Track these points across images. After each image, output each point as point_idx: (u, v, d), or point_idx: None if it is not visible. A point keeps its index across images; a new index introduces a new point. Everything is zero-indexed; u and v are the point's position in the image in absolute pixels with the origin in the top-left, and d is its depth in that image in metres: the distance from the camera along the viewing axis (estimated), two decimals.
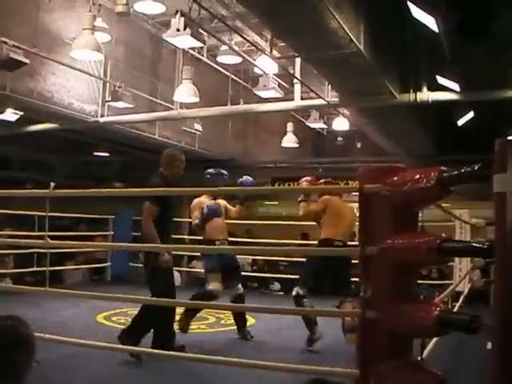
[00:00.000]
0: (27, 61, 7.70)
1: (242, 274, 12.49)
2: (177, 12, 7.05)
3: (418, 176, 2.98)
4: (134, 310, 8.44)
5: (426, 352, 3.84)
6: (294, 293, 6.67)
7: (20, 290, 6.22)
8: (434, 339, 4.48)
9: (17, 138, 12.21)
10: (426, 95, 9.26)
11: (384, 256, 3.03)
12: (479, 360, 5.94)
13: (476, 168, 2.78)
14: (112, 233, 13.18)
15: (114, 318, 7.99)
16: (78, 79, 9.71)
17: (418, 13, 7.69)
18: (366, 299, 3.12)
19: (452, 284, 8.77)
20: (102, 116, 10.26)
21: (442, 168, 2.92)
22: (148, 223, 5.99)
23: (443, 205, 4.22)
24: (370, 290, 3.11)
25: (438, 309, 2.91)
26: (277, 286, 12.53)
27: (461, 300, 7.74)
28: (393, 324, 3.03)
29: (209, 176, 7.50)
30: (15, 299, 7.37)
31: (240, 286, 7.24)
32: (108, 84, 9.94)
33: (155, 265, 5.92)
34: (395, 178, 3.06)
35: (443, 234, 2.95)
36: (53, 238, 7.51)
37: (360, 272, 3.20)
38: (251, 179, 7.30)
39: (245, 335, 7.09)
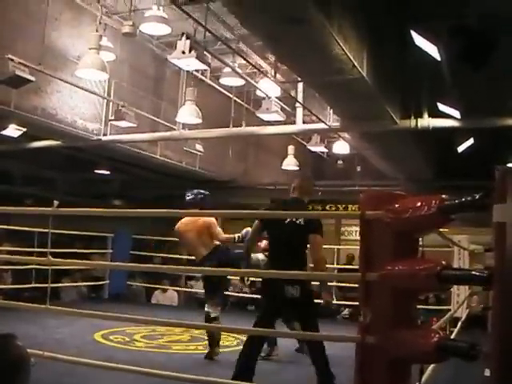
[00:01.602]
0: (33, 78, 7.76)
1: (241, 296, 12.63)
2: (182, 34, 7.13)
3: (419, 203, 3.02)
4: (132, 329, 8.49)
5: (424, 378, 3.86)
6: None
7: (20, 306, 6.22)
8: (432, 365, 4.49)
9: (19, 153, 12.25)
10: (426, 121, 9.32)
11: (384, 282, 3.06)
12: None
13: (477, 197, 2.82)
14: (111, 251, 13.17)
15: (111, 337, 7.98)
16: (81, 97, 9.77)
17: (420, 41, 7.78)
18: (365, 324, 3.14)
19: (450, 309, 8.78)
20: (104, 134, 10.32)
21: (443, 196, 2.96)
22: (323, 255, 5.71)
23: (442, 230, 4.25)
24: (370, 316, 3.13)
25: (437, 335, 2.94)
26: None
27: (459, 326, 7.75)
28: (392, 349, 3.05)
29: (189, 196, 7.53)
30: (12, 315, 7.37)
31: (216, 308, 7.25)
32: (111, 103, 10.00)
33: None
34: (396, 205, 3.10)
35: (443, 261, 2.98)
36: (51, 254, 7.56)
37: (360, 297, 3.23)
38: None
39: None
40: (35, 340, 5.99)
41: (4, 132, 9.87)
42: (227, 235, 7.35)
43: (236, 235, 7.30)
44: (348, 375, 3.51)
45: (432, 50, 7.85)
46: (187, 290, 13.88)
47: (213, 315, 7.01)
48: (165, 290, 13.10)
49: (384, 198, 3.21)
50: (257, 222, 5.89)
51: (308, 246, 5.62)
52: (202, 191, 7.58)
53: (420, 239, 3.46)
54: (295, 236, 5.58)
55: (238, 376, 5.21)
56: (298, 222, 5.55)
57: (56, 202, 5.33)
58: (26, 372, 2.44)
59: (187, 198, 7.45)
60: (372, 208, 3.18)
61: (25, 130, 9.82)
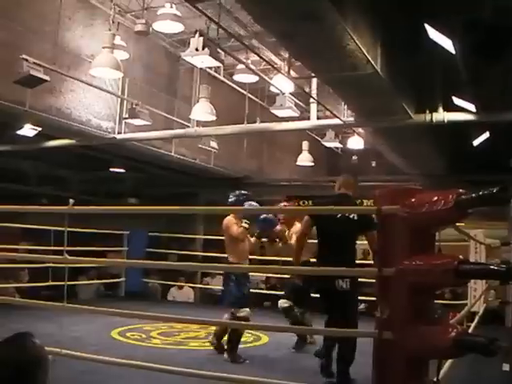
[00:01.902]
0: (47, 78, 7.79)
1: (256, 292, 12.61)
2: (196, 32, 7.13)
3: (435, 198, 3.01)
4: (149, 326, 8.52)
5: (441, 373, 3.84)
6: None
7: (37, 305, 6.25)
8: (450, 360, 4.47)
9: (34, 153, 12.31)
10: (441, 116, 9.26)
11: (401, 277, 3.05)
12: (495, 381, 5.93)
13: (494, 191, 2.80)
14: (126, 249, 13.21)
15: (128, 334, 8.01)
16: (96, 96, 9.81)
17: (434, 34, 7.73)
18: (382, 320, 3.13)
19: (466, 304, 8.72)
20: (118, 133, 10.35)
21: (460, 190, 2.94)
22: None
23: (458, 224, 4.22)
24: (387, 311, 3.12)
25: (455, 330, 2.93)
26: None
27: (476, 321, 7.70)
28: (409, 345, 3.04)
29: (232, 198, 7.37)
30: (29, 314, 7.41)
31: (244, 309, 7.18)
32: (125, 101, 10.02)
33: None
34: (413, 200, 3.08)
35: (460, 256, 2.96)
36: (67, 252, 7.58)
37: (377, 293, 3.22)
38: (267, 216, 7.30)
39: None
40: (52, 338, 6.00)
41: (19, 132, 9.92)
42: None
43: (253, 236, 7.43)
44: (364, 371, 3.51)
45: (447, 43, 7.79)
46: (203, 286, 13.91)
47: (239, 315, 6.97)
48: (181, 287, 13.13)
49: (400, 193, 3.20)
50: (307, 217, 6.11)
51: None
52: (243, 192, 7.48)
53: (436, 234, 3.44)
54: (348, 231, 5.80)
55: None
56: (351, 217, 5.76)
57: (71, 201, 5.35)
58: (44, 370, 2.44)
59: (229, 200, 7.33)
60: (388, 203, 3.17)
61: (40, 129, 9.86)
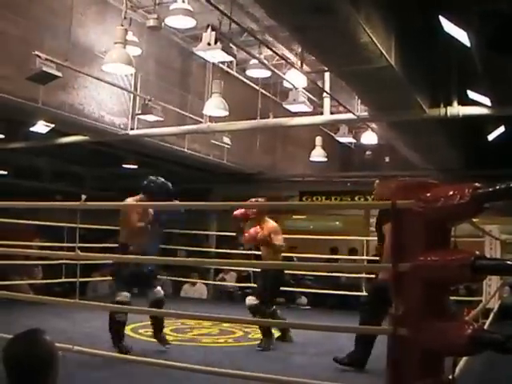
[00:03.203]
0: (60, 74, 7.78)
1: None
2: (208, 26, 7.09)
3: (451, 192, 2.95)
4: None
5: (457, 370, 3.79)
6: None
7: (50, 301, 6.25)
8: (466, 357, 4.41)
9: (47, 149, 12.35)
10: (456, 109, 9.18)
11: (416, 273, 3.00)
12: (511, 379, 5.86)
13: (510, 185, 2.74)
14: None
15: (141, 331, 7.98)
16: (108, 92, 9.80)
17: (449, 27, 7.65)
18: (397, 316, 3.09)
19: (481, 300, 8.65)
20: (131, 129, 10.34)
21: (476, 184, 2.89)
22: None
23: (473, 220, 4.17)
24: (402, 307, 3.07)
25: (471, 327, 2.87)
26: (304, 300, 12.45)
27: (491, 317, 7.63)
28: (425, 342, 2.99)
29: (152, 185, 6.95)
30: (43, 310, 7.43)
31: (158, 289, 6.98)
32: (138, 97, 10.01)
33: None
34: (428, 194, 3.03)
35: (477, 251, 2.91)
36: (80, 249, 7.58)
37: (392, 289, 3.17)
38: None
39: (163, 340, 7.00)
40: (65, 334, 6.00)
41: (33, 128, 9.94)
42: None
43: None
44: (379, 367, 3.46)
45: (461, 36, 7.71)
46: (216, 283, 13.89)
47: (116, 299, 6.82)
48: (194, 284, 13.12)
49: (415, 187, 3.15)
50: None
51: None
52: (163, 181, 7.03)
53: (452, 229, 3.38)
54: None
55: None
56: None
57: (84, 197, 5.34)
58: (55, 366, 2.43)
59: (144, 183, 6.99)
60: (403, 197, 3.12)
61: (53, 125, 9.88)
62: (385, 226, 6.01)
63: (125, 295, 6.66)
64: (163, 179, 7.00)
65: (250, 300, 7.33)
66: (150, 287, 6.86)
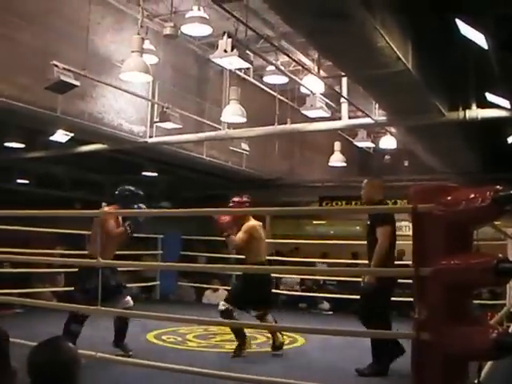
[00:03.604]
0: (78, 83, 7.83)
1: (291, 294, 12.57)
2: (224, 33, 7.11)
3: (472, 195, 2.94)
4: (184, 329, 8.52)
5: (482, 375, 3.76)
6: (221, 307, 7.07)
7: (73, 309, 6.29)
8: (491, 362, 4.38)
9: (67, 158, 12.43)
10: (475, 112, 9.12)
11: (438, 277, 2.99)
12: None
13: None
14: (161, 252, 13.25)
15: (164, 337, 8.01)
16: (126, 101, 9.86)
17: (466, 30, 7.61)
18: (420, 321, 3.07)
19: (505, 304, 8.56)
20: (150, 137, 10.39)
21: (497, 187, 2.87)
22: (386, 246, 6.14)
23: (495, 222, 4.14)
24: (425, 312, 3.06)
25: (496, 331, 2.86)
26: (326, 305, 12.41)
27: None
28: (448, 346, 2.98)
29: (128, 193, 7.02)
30: (65, 317, 7.42)
31: (128, 299, 6.87)
32: (156, 105, 10.05)
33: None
34: (449, 198, 3.02)
35: (499, 254, 2.89)
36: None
37: (414, 293, 3.15)
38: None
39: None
40: (88, 341, 6.03)
41: (52, 137, 10.01)
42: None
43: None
44: (402, 371, 3.45)
45: (479, 38, 7.67)
46: None
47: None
48: (215, 290, 13.11)
49: (435, 191, 3.14)
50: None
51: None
52: (132, 189, 7.11)
53: (474, 232, 3.36)
54: None
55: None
56: None
57: (104, 204, 5.40)
58: (78, 373, 2.45)
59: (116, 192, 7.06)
60: (423, 201, 3.11)
61: (72, 134, 9.94)
62: (378, 229, 6.15)
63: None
64: (131, 187, 7.13)
65: (220, 305, 7.19)
66: (118, 299, 6.73)
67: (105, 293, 6.38)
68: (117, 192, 7.00)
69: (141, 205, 6.84)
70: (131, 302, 6.80)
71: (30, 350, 2.47)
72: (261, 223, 7.50)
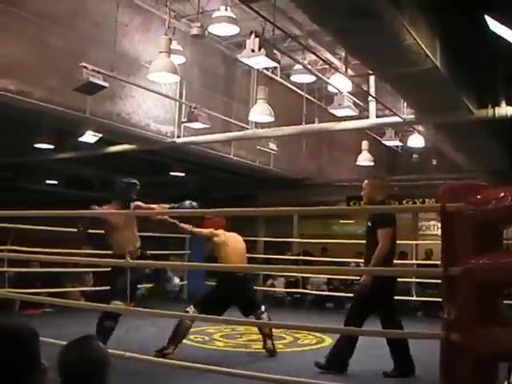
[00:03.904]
0: (106, 84, 7.89)
1: (319, 293, 12.54)
2: (251, 33, 7.11)
3: (502, 194, 2.91)
4: (211, 329, 8.54)
5: None
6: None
7: (102, 308, 6.34)
8: None
9: (95, 159, 12.53)
10: (504, 110, 9.01)
11: (468, 277, 2.96)
12: None
13: None
14: (188, 252, 13.29)
15: (191, 337, 8.03)
16: (154, 101, 9.91)
17: (495, 26, 7.53)
18: (449, 321, 3.04)
19: None
20: (178, 137, 10.43)
21: None
22: (386, 249, 6.15)
23: None
24: (454, 312, 3.03)
25: None
26: None
27: None
28: (478, 347, 2.94)
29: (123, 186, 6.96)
30: (95, 317, 7.48)
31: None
32: (183, 105, 10.09)
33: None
34: (478, 197, 2.99)
35: None
36: None
37: (443, 293, 3.12)
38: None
39: None
40: (117, 340, 6.07)
41: (81, 138, 10.09)
42: None
43: None
44: (428, 373, 3.41)
45: (508, 34, 7.57)
46: (265, 288, 13.89)
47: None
48: None
49: (465, 190, 3.11)
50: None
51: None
52: (130, 181, 7.05)
53: (504, 232, 3.32)
54: None
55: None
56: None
57: (132, 205, 5.41)
58: (107, 372, 2.46)
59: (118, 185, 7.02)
60: (452, 200, 3.07)
61: (101, 135, 10.01)
62: (380, 231, 6.13)
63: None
64: (126, 179, 7.06)
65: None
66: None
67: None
68: (114, 186, 7.00)
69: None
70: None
71: (60, 349, 2.48)
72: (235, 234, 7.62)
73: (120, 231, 6.66)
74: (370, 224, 6.36)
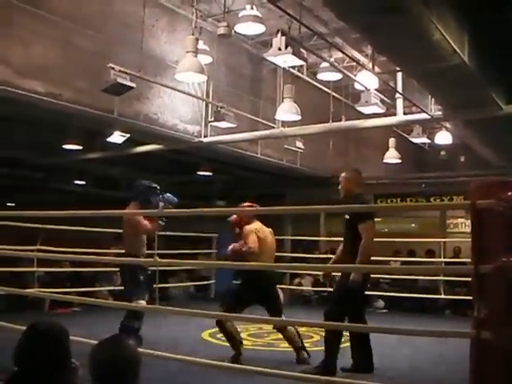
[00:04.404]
0: (133, 85, 7.94)
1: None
2: (278, 31, 7.11)
3: None
4: (239, 327, 8.54)
5: None
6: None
7: (131, 307, 6.38)
8: None
9: (123, 159, 12.61)
10: None
11: (499, 274, 2.93)
12: None
13: None
14: (216, 251, 13.33)
15: (219, 336, 8.05)
16: (181, 101, 9.95)
17: None
18: (480, 319, 3.01)
19: None
20: (205, 136, 10.46)
21: None
22: (371, 242, 6.13)
23: None
24: (485, 310, 3.00)
25: None
26: (380, 303, 12.32)
27: None
28: (509, 345, 2.91)
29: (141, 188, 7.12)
30: (122, 315, 7.54)
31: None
32: (210, 104, 10.11)
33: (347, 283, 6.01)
34: (510, 193, 2.95)
35: None
36: (158, 255, 7.68)
37: (473, 291, 3.10)
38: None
39: None
40: (146, 339, 6.13)
41: (109, 139, 10.16)
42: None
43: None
44: (455, 370, 3.39)
45: None
46: (292, 287, 13.88)
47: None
48: None
49: (495, 187, 3.08)
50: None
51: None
52: (148, 184, 7.18)
53: None
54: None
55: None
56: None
57: (161, 204, 5.44)
58: (138, 370, 2.48)
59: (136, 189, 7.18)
60: (483, 197, 3.04)
61: (128, 135, 10.07)
62: (361, 225, 6.04)
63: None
64: (146, 182, 7.24)
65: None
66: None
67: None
68: (133, 188, 7.16)
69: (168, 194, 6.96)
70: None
71: (92, 348, 2.51)
72: (269, 229, 7.16)
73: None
74: (347, 217, 6.26)
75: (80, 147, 11.93)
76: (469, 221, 3.38)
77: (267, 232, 7.04)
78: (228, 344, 6.74)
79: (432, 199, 14.95)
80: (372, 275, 12.15)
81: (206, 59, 8.84)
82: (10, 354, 2.63)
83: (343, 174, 6.50)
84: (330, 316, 5.86)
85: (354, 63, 9.43)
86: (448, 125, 12.23)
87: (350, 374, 5.74)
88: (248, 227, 6.80)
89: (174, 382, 5.68)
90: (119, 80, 7.70)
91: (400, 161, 13.43)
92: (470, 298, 3.27)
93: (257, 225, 6.91)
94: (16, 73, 7.58)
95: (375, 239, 6.27)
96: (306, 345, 7.23)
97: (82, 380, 2.59)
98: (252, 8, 8.09)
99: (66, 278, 11.63)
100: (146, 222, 6.73)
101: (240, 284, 7.11)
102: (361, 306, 6.35)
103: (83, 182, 16.01)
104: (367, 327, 6.32)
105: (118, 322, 6.70)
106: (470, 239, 3.19)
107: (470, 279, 3.23)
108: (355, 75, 9.86)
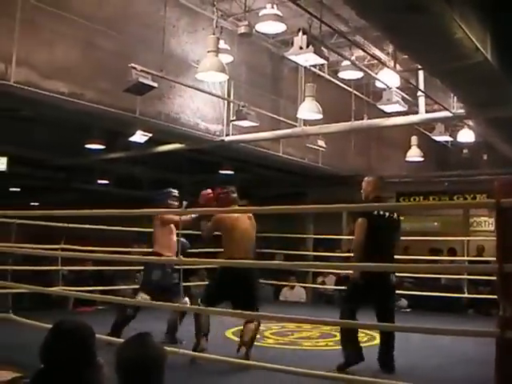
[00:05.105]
0: (155, 85, 7.98)
1: None
2: (299, 30, 7.10)
3: None
4: (262, 326, 8.53)
5: None
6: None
7: (153, 305, 6.43)
8: None
9: (146, 158, 12.68)
10: None
11: None
12: None
13: None
14: None
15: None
16: (202, 100, 9.98)
17: None
18: (505, 319, 3.00)
19: None
20: (226, 135, 10.48)
21: None
22: (360, 239, 6.15)
23: None
24: (510, 309, 2.98)
25: None
26: (404, 302, 12.24)
27: None
28: None
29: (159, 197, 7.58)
30: (147, 314, 7.58)
31: (185, 300, 7.13)
32: (232, 104, 10.14)
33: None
34: None
35: None
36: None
37: (498, 290, 3.08)
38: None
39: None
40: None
41: (131, 138, 10.21)
42: None
43: None
44: (478, 369, 3.37)
45: None
46: (315, 286, 13.87)
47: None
48: (292, 287, 13.14)
49: None
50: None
51: None
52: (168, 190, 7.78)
53: None
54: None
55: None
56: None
57: (185, 203, 5.46)
58: (163, 368, 2.50)
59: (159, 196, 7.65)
60: (507, 195, 3.03)
61: (150, 135, 10.12)
62: (356, 223, 6.15)
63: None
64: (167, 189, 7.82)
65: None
66: (176, 297, 6.77)
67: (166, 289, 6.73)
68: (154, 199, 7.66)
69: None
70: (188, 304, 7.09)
71: (118, 346, 2.54)
72: (248, 215, 7.09)
73: (172, 233, 7.04)
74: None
75: (103, 147, 12.00)
76: (492, 219, 3.36)
77: (241, 220, 6.92)
78: (256, 343, 6.75)
79: (455, 198, 14.86)
80: (397, 274, 12.18)
81: (227, 58, 8.87)
82: (36, 351, 2.67)
83: (365, 178, 6.60)
84: (340, 313, 6.13)
85: (376, 61, 9.41)
86: (470, 123, 12.14)
87: (372, 373, 5.71)
88: (219, 216, 6.81)
89: (199, 381, 5.70)
90: (141, 80, 7.73)
91: (422, 159, 13.37)
92: (494, 297, 3.26)
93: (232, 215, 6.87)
94: (39, 74, 7.64)
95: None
96: (330, 344, 7.24)
97: (107, 377, 2.62)
98: (272, 7, 8.11)
99: (88, 276, 11.71)
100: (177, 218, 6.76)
101: (213, 279, 7.21)
102: (382, 303, 6.31)
103: (106, 182, 16.11)
104: (390, 326, 6.30)
105: (140, 320, 6.76)
106: (493, 237, 3.18)
107: (494, 278, 3.22)
108: (376, 73, 9.83)
